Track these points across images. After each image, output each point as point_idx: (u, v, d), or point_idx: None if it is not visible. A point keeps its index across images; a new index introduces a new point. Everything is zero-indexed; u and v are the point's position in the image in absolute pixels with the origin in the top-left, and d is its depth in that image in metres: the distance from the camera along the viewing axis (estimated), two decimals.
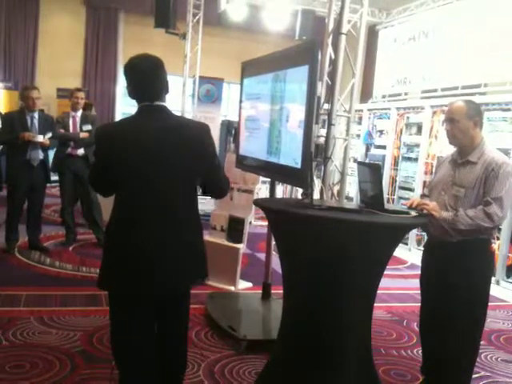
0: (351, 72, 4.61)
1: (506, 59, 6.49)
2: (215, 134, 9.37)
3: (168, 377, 2.41)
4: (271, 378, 2.82)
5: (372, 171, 2.79)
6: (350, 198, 8.02)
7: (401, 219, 2.62)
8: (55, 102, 11.11)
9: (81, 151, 5.73)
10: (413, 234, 6.82)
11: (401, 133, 7.59)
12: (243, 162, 4.16)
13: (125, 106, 12.29)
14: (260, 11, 10.22)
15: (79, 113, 5.84)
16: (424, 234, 6.00)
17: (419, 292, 3.08)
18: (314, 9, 9.91)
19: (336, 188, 4.81)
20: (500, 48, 6.62)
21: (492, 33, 6.80)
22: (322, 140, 4.33)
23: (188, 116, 9.74)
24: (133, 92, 2.26)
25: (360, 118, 8.45)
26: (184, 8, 9.85)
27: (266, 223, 5.27)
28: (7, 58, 11.82)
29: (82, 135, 5.69)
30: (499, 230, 5.44)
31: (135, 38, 11.76)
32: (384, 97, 9.15)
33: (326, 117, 4.39)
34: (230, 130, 9.63)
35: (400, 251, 6.46)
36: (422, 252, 3.10)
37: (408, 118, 7.54)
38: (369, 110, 8.46)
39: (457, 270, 2.75)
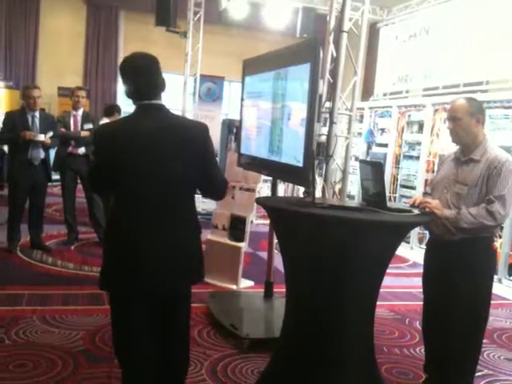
0: (353, 70, 4.60)
1: (508, 57, 6.47)
2: (216, 132, 9.37)
3: (170, 376, 2.41)
4: (274, 376, 2.82)
5: (374, 169, 2.79)
6: (351, 197, 8.01)
7: (403, 217, 2.62)
8: (56, 101, 11.11)
9: (82, 150, 5.73)
10: (415, 232, 6.81)
11: (402, 131, 7.57)
12: (245, 161, 4.15)
13: (126, 105, 12.25)
14: (261, 9, 10.20)
15: (80, 111, 5.84)
16: (426, 232, 5.98)
17: (421, 290, 3.08)
18: (315, 6, 9.89)
19: (338, 186, 4.80)
20: (502, 45, 6.60)
21: (494, 30, 6.78)
22: (323, 138, 4.32)
23: (189, 115, 9.73)
24: (129, 91, 2.25)
25: (361, 116, 8.43)
26: (185, 6, 9.83)
27: (267, 222, 5.27)
28: (8, 57, 11.82)
29: (83, 134, 5.69)
30: (501, 228, 5.43)
31: (136, 37, 11.75)
32: (385, 95, 9.13)
33: (327, 115, 4.38)
34: (231, 128, 9.60)
35: (402, 249, 6.45)
36: (424, 250, 3.10)
37: (409, 115, 7.52)
38: (370, 108, 8.45)
39: (459, 268, 2.75)
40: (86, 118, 5.84)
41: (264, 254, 5.29)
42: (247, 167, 4.25)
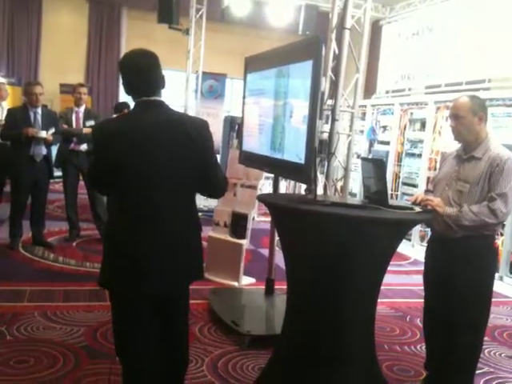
0: (355, 67, 4.59)
1: (511, 55, 6.46)
2: (218, 129, 9.36)
3: (170, 374, 2.41)
4: (274, 373, 2.83)
5: (376, 167, 2.78)
6: (353, 194, 8.01)
7: (405, 215, 2.61)
8: (58, 98, 11.10)
9: (84, 146, 5.74)
10: (416, 229, 6.80)
11: (404, 128, 7.56)
12: (246, 158, 4.15)
13: (130, 102, 12.27)
14: (263, 6, 10.20)
15: (82, 108, 5.84)
16: (428, 229, 5.99)
17: (422, 288, 3.08)
18: (317, 4, 9.88)
19: (339, 184, 4.80)
20: (504, 43, 6.59)
21: (496, 28, 6.77)
22: (325, 136, 4.32)
23: (191, 112, 9.73)
24: (129, 87, 2.24)
25: (363, 114, 8.42)
26: (187, 3, 9.82)
27: (269, 219, 5.27)
28: (10, 53, 11.82)
29: (85, 131, 5.68)
30: (503, 226, 5.43)
31: (138, 34, 11.73)
32: (388, 92, 9.12)
33: (329, 112, 4.38)
34: (233, 125, 9.58)
35: (403, 247, 6.46)
36: (425, 248, 3.10)
37: (412, 113, 7.52)
38: (372, 105, 8.44)
39: (460, 266, 2.74)
40: (87, 115, 5.84)
41: (265, 251, 5.30)
42: (249, 164, 4.25)
